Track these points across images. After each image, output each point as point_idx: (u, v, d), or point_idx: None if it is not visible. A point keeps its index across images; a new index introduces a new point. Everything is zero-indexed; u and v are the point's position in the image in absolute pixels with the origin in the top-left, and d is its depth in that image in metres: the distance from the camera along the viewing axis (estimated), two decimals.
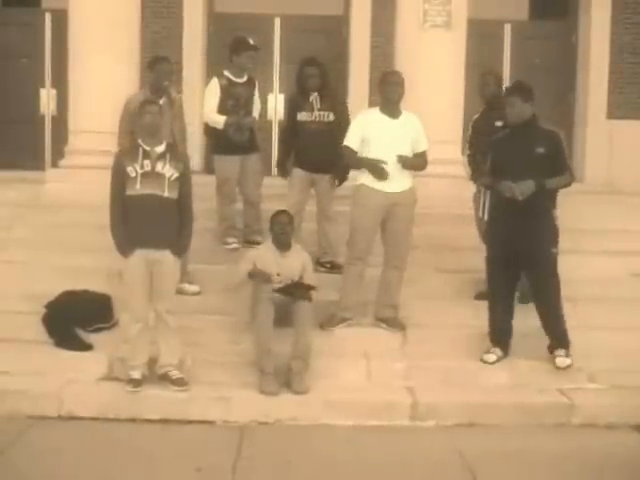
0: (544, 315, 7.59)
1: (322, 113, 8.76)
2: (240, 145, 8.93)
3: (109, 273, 7.84)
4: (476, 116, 8.79)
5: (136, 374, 7.10)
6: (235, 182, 9.09)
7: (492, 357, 7.67)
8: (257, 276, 7.58)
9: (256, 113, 9.32)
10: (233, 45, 9.17)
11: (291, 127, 9.02)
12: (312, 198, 9.09)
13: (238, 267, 7.72)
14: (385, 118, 7.88)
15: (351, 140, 7.90)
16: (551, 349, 7.63)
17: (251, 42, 9.32)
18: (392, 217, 7.88)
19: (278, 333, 7.31)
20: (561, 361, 7.53)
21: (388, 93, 7.89)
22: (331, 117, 8.74)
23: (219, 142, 9.07)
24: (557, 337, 7.59)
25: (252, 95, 9.20)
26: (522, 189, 7.18)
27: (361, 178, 7.95)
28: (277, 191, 9.21)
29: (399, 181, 7.84)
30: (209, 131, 9.23)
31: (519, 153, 7.38)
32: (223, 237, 9.13)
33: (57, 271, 8.46)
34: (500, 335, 7.75)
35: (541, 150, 7.36)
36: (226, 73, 9.04)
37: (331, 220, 8.91)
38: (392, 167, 7.77)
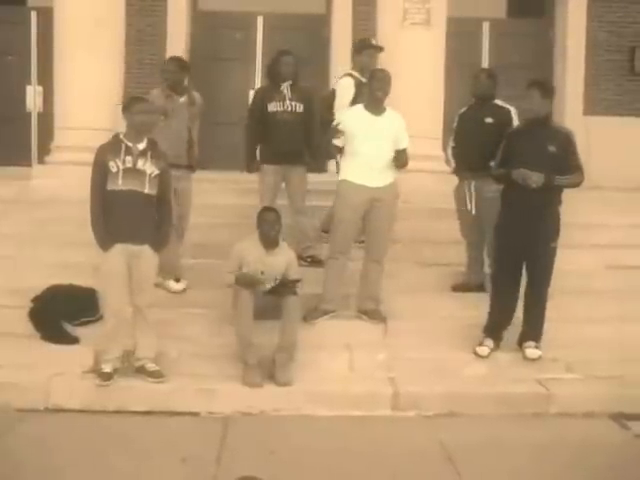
0: (531, 305, 7.63)
1: (293, 103, 8.75)
2: None
3: (95, 267, 7.91)
4: (464, 109, 8.69)
5: (107, 367, 7.11)
6: None
7: (485, 350, 7.69)
8: (244, 280, 7.49)
9: None
10: (356, 45, 9.32)
11: (258, 119, 8.85)
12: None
13: (225, 265, 7.70)
14: (369, 115, 7.90)
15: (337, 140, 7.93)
16: (521, 341, 7.71)
17: (373, 42, 9.47)
18: (374, 211, 7.92)
19: (264, 325, 7.38)
20: (531, 352, 7.62)
21: (375, 90, 7.92)
22: (301, 108, 8.74)
23: None
24: (535, 328, 7.66)
25: None
26: (534, 178, 7.27)
27: (343, 174, 8.00)
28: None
29: (382, 176, 7.89)
30: None
31: (532, 150, 7.42)
32: None
33: (44, 266, 8.53)
34: (498, 327, 7.77)
35: (553, 149, 7.39)
36: (355, 74, 9.04)
37: (304, 214, 8.92)
38: (375, 162, 7.82)
